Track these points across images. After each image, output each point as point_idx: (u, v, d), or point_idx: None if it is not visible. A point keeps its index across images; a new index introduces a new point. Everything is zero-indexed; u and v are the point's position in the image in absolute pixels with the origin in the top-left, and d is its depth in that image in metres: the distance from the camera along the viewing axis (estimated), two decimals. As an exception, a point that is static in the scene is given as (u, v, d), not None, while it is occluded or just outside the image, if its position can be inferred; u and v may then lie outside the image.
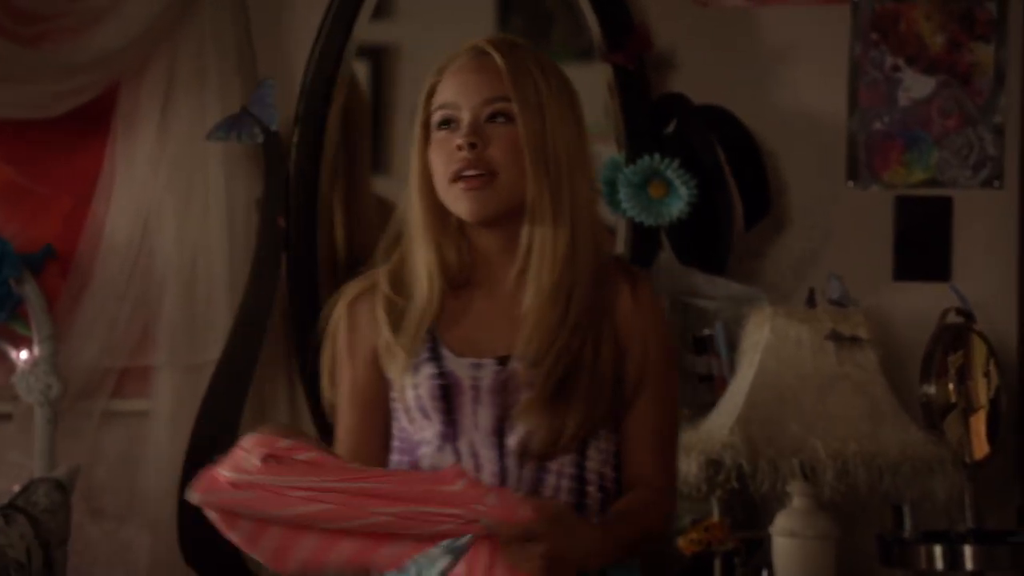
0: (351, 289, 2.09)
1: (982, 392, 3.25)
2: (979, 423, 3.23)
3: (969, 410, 3.22)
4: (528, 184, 1.99)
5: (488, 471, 1.97)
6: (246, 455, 1.88)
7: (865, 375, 3.04)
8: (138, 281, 3.27)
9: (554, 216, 1.99)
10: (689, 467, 2.87)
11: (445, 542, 1.85)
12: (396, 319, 2.03)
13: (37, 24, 3.20)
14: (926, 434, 3.04)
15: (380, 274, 2.08)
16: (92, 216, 3.29)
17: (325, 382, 2.10)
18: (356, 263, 3.34)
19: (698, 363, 3.28)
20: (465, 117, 2.00)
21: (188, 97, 3.28)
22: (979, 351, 3.27)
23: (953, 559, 3.07)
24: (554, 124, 2.00)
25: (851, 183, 3.47)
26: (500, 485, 1.96)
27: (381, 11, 3.40)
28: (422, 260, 2.03)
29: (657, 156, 3.29)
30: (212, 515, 1.90)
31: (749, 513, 3.16)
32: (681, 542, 3.05)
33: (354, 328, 2.06)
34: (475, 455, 1.98)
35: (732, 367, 3.15)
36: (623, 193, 3.27)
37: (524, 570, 1.85)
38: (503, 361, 1.99)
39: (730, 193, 3.36)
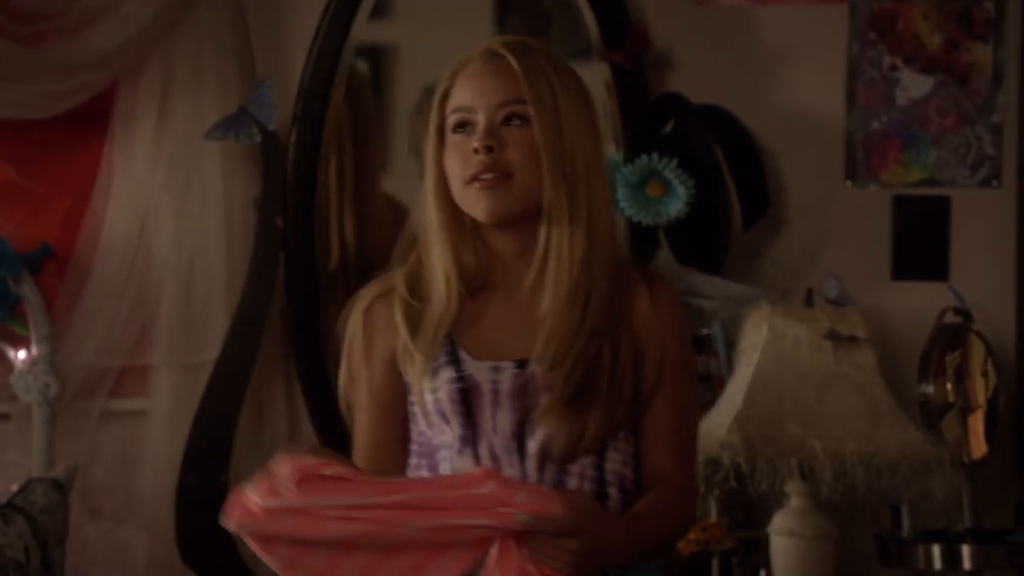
0: (368, 293, 2.08)
1: (980, 392, 3.25)
2: (977, 423, 3.23)
3: (967, 410, 3.22)
4: (545, 186, 1.99)
5: (508, 475, 1.96)
6: (279, 480, 1.86)
7: (863, 375, 3.05)
8: (136, 281, 3.27)
9: (571, 218, 1.99)
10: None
11: None
12: (414, 322, 2.02)
13: (36, 24, 3.20)
14: (924, 434, 3.04)
15: (397, 277, 2.07)
16: (90, 216, 3.29)
17: (342, 385, 2.09)
18: (368, 263, 3.36)
19: (696, 362, 3.28)
20: (481, 120, 2.00)
21: (186, 97, 3.28)
22: (977, 351, 3.27)
23: (951, 558, 3.07)
24: (570, 126, 2.00)
25: (849, 183, 3.47)
26: None
27: (379, 11, 3.39)
28: (439, 263, 2.03)
29: (655, 156, 3.29)
30: (249, 542, 1.88)
31: (747, 513, 3.16)
32: (679, 542, 3.05)
33: (372, 332, 2.06)
34: (495, 459, 1.97)
35: (730, 366, 3.15)
36: (621, 193, 3.27)
37: (554, 567, 1.85)
38: (522, 364, 1.99)
39: (728, 193, 3.36)
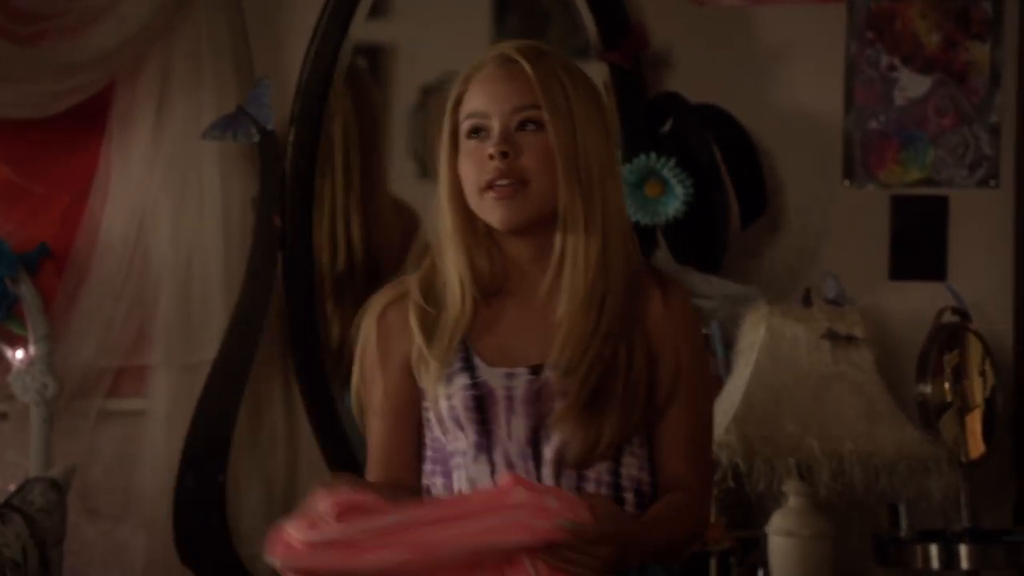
0: (382, 297, 2.08)
1: (978, 391, 3.25)
2: (975, 422, 3.23)
3: (965, 409, 3.22)
4: (560, 192, 1.99)
5: None
6: (318, 514, 1.85)
7: (861, 374, 3.05)
8: (134, 280, 3.27)
9: (586, 223, 1.99)
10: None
11: None
12: (428, 328, 2.02)
13: (34, 23, 3.19)
14: (922, 433, 3.04)
15: (411, 282, 2.07)
16: (88, 215, 3.29)
17: (354, 390, 2.08)
18: (375, 264, 3.36)
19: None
20: (495, 126, 2.00)
21: (184, 96, 3.28)
22: (975, 350, 3.27)
23: (949, 558, 3.07)
24: (584, 131, 2.00)
25: (847, 182, 3.47)
26: None
27: (377, 10, 3.39)
28: (453, 268, 2.03)
29: (653, 155, 3.29)
30: None
31: (745, 512, 3.16)
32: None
33: (386, 337, 2.05)
34: (510, 466, 1.97)
35: (728, 366, 3.15)
36: (619, 192, 3.27)
37: (582, 573, 1.83)
38: (536, 370, 1.99)
39: (726, 192, 3.36)
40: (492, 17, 3.50)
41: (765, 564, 3.07)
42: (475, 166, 2.00)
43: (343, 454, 3.32)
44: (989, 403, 3.25)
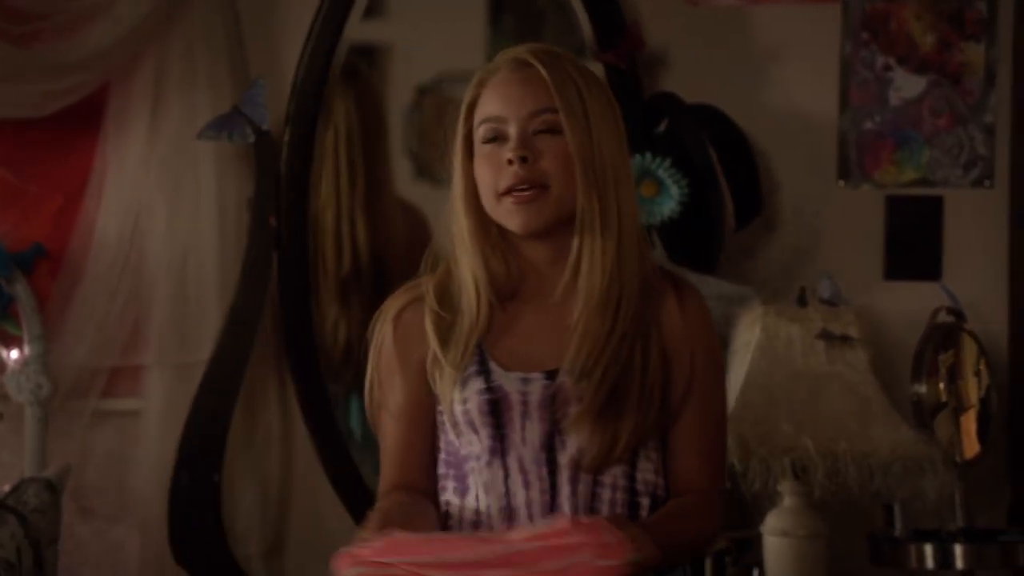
0: (398, 299, 2.08)
1: (972, 391, 3.25)
2: (969, 422, 3.23)
3: (959, 409, 3.22)
4: (579, 195, 1.99)
5: (537, 488, 1.96)
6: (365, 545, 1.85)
7: (856, 374, 3.05)
8: (129, 280, 3.26)
9: (603, 226, 1.99)
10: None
11: None
12: (443, 334, 2.02)
13: (29, 23, 3.19)
14: (917, 433, 3.04)
15: (426, 284, 2.06)
16: (83, 215, 3.28)
17: (368, 392, 2.08)
18: (382, 265, 3.36)
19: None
20: (512, 130, 1.99)
21: (179, 96, 3.28)
22: (970, 350, 3.27)
23: (943, 558, 3.07)
24: (599, 133, 2.00)
25: (842, 182, 3.47)
26: (550, 501, 1.95)
27: (372, 10, 3.39)
28: (468, 273, 2.03)
29: (649, 155, 3.29)
30: None
31: (740, 512, 3.16)
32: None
33: (401, 339, 2.05)
34: (523, 471, 1.97)
35: (723, 366, 3.15)
36: (614, 192, 3.27)
37: None
38: (551, 375, 1.99)
39: (721, 192, 3.36)
40: (487, 17, 3.50)
41: (760, 564, 3.07)
42: (492, 171, 2.00)
43: (338, 454, 3.31)
44: (984, 403, 3.26)
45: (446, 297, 2.04)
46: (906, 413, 3.15)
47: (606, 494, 1.97)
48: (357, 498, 3.29)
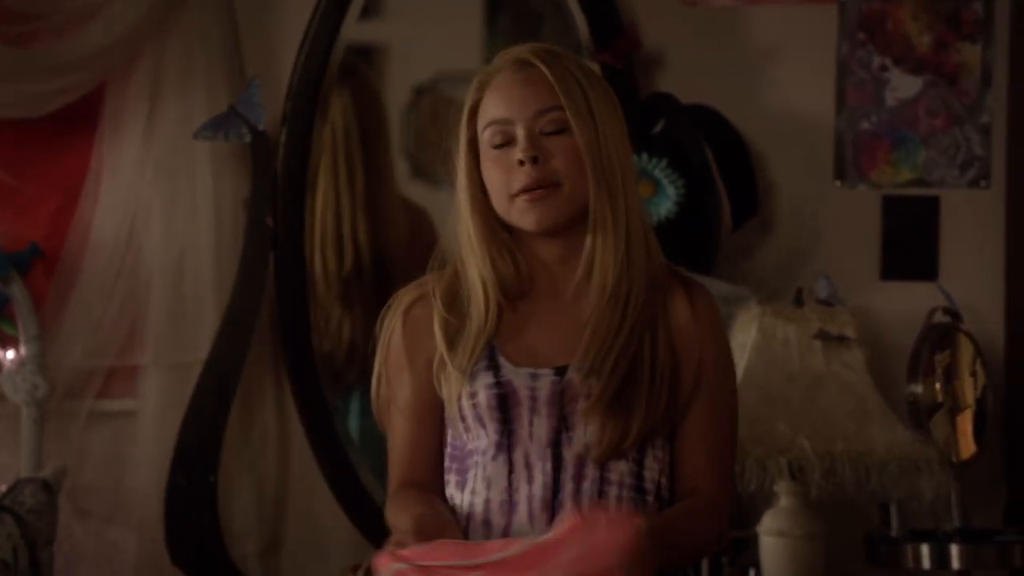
0: (407, 294, 2.07)
1: (969, 391, 3.25)
2: (966, 423, 3.23)
3: (956, 409, 3.23)
4: (591, 191, 1.99)
5: (540, 483, 1.96)
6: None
7: (852, 374, 3.05)
8: (125, 280, 3.26)
9: (614, 222, 1.99)
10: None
11: None
12: (452, 338, 2.01)
13: (25, 23, 3.19)
14: (913, 433, 3.04)
15: (432, 284, 2.06)
16: (79, 215, 3.28)
17: (375, 387, 2.08)
18: (384, 265, 3.36)
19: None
20: (520, 132, 1.99)
21: (175, 96, 3.28)
22: (966, 350, 3.27)
23: (940, 558, 3.07)
24: (605, 130, 2.01)
25: (838, 183, 3.47)
26: (552, 497, 1.96)
27: (369, 10, 3.39)
28: (477, 277, 2.02)
29: (645, 155, 3.29)
30: None
31: (737, 512, 3.17)
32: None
33: (411, 335, 2.05)
34: (528, 466, 1.97)
35: (720, 366, 3.15)
36: (611, 192, 3.27)
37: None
38: (561, 372, 1.99)
39: (718, 192, 3.36)
40: (484, 18, 3.50)
41: (756, 564, 3.07)
42: (503, 174, 2.00)
43: (334, 454, 3.31)
44: (980, 403, 3.26)
45: (455, 302, 2.04)
46: (902, 413, 3.15)
47: (612, 491, 1.97)
48: (353, 498, 3.29)
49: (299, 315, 3.32)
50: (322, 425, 3.31)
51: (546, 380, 1.98)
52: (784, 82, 3.46)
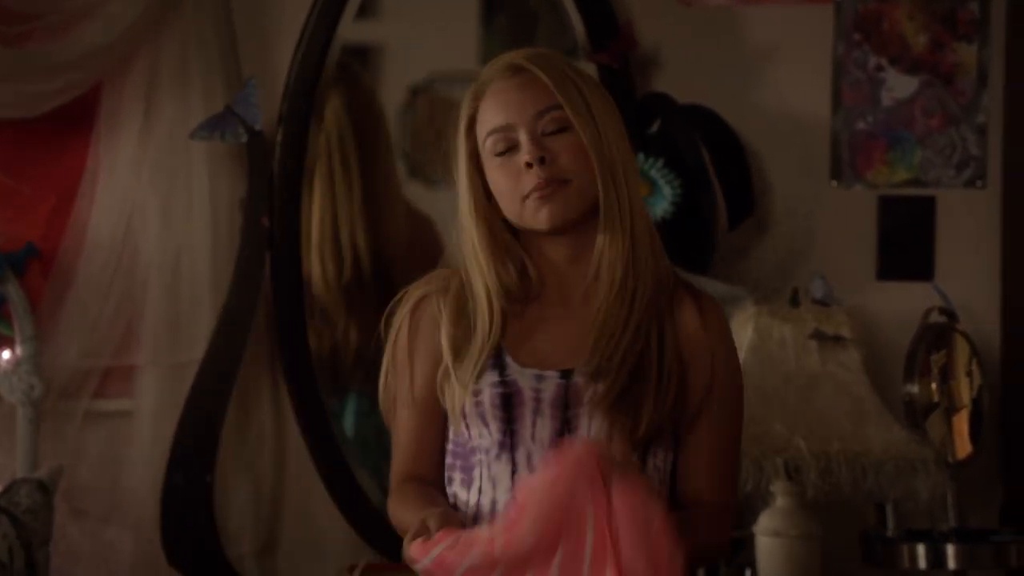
0: (415, 292, 2.08)
1: (965, 392, 3.26)
2: (962, 423, 3.23)
3: (952, 409, 3.23)
4: (600, 188, 1.99)
5: None
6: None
7: (848, 374, 3.05)
8: (121, 280, 3.26)
9: (620, 219, 2.00)
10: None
11: None
12: (457, 348, 2.02)
13: (21, 23, 3.19)
14: (909, 433, 3.05)
15: (442, 287, 2.06)
16: (75, 215, 3.28)
17: (382, 381, 2.08)
18: (383, 264, 3.36)
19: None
20: (523, 136, 1.99)
21: (172, 96, 3.27)
22: (962, 351, 3.27)
23: (936, 558, 3.07)
24: (605, 127, 2.01)
25: (834, 183, 3.47)
26: None
27: (365, 10, 3.39)
28: (481, 286, 2.02)
29: (641, 155, 3.29)
30: None
31: (733, 512, 3.17)
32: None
33: (417, 332, 2.05)
34: (531, 467, 1.97)
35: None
36: (607, 193, 3.27)
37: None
38: (566, 375, 1.99)
39: (714, 192, 3.36)
40: (480, 18, 3.50)
41: (753, 564, 3.07)
42: (511, 179, 2.00)
43: (331, 454, 3.31)
44: (976, 403, 3.26)
45: (462, 312, 2.04)
46: (898, 413, 3.15)
47: None
48: (349, 498, 3.29)
49: (295, 315, 3.32)
50: (318, 425, 3.31)
51: (551, 382, 1.98)
52: (780, 82, 3.46)
